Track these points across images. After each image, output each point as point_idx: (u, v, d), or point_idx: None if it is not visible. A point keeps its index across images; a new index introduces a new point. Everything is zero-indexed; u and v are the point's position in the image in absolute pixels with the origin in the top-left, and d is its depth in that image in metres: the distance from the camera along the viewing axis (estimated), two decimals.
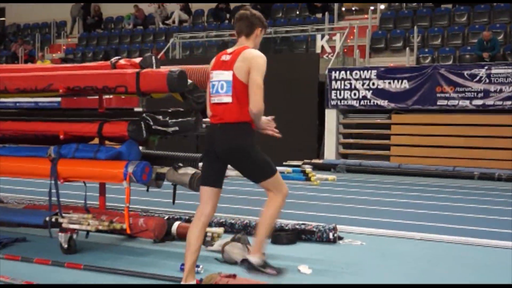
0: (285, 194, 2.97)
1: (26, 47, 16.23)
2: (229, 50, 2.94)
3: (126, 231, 4.14)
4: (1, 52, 17.46)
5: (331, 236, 4.52)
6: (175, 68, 3.90)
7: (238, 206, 5.76)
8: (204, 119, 4.20)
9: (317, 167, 9.27)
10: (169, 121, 4.16)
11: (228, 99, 2.82)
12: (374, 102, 10.59)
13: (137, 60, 4.35)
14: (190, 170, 3.95)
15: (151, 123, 4.11)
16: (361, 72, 10.69)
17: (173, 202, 4.25)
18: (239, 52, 2.85)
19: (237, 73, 2.80)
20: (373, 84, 10.56)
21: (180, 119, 4.20)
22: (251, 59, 2.82)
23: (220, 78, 2.85)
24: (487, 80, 9.83)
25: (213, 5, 15.27)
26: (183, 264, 3.18)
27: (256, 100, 2.78)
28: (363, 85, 10.63)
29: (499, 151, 9.68)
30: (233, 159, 2.90)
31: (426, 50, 11.90)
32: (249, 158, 2.89)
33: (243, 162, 2.91)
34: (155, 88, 4.00)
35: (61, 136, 4.26)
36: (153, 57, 4.25)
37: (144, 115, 4.19)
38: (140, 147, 4.28)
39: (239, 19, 2.94)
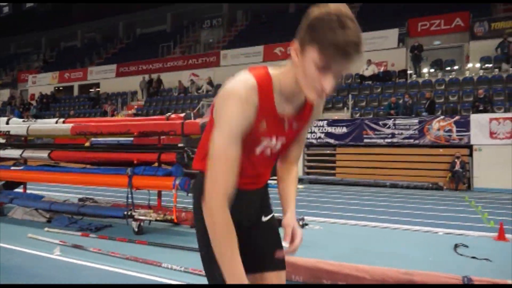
0: None
1: (112, 107, 18.92)
2: None
3: (174, 221, 4.62)
4: (97, 110, 19.54)
5: (300, 223, 5.02)
6: (205, 119, 3.96)
7: None
8: None
9: None
10: None
11: None
12: (325, 141, 12.39)
13: (182, 115, 4.94)
14: None
15: (190, 153, 4.51)
16: (318, 122, 12.29)
17: None
18: None
19: None
20: (325, 129, 12.44)
21: None
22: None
23: None
24: (394, 127, 11.54)
25: (228, 80, 18.22)
26: None
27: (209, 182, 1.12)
28: (319, 129, 12.51)
29: (401, 170, 11.22)
30: None
31: (357, 108, 13.69)
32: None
33: None
34: (193, 131, 4.44)
35: (135, 161, 4.87)
36: (191, 113, 4.79)
37: (185, 148, 4.56)
38: (184, 169, 4.64)
39: None
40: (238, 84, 1.14)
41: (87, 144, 5.80)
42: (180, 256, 3.84)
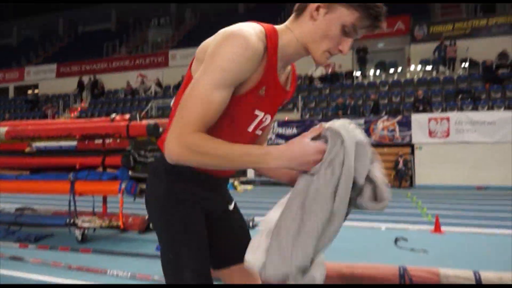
0: None
1: (53, 110, 18.09)
2: None
3: (121, 227, 4.66)
4: (35, 113, 18.42)
5: (251, 224, 5.21)
6: (152, 121, 4.33)
7: None
8: None
9: (242, 182, 11.93)
10: (148, 154, 4.58)
11: None
12: (276, 142, 12.66)
13: (127, 116, 4.83)
14: None
15: (136, 156, 4.49)
16: None
17: None
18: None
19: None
20: (276, 130, 12.95)
21: (154, 153, 4.58)
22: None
23: None
24: None
25: (177, 81, 17.30)
26: (157, 247, 3.53)
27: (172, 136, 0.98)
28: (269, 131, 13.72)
29: None
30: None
31: (306, 110, 14.55)
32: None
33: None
34: (139, 133, 4.41)
35: (77, 166, 4.78)
36: (137, 114, 4.74)
37: (131, 151, 4.51)
38: (130, 172, 4.54)
39: None
40: (243, 25, 0.95)
41: (27, 149, 5.50)
42: (127, 262, 3.80)
